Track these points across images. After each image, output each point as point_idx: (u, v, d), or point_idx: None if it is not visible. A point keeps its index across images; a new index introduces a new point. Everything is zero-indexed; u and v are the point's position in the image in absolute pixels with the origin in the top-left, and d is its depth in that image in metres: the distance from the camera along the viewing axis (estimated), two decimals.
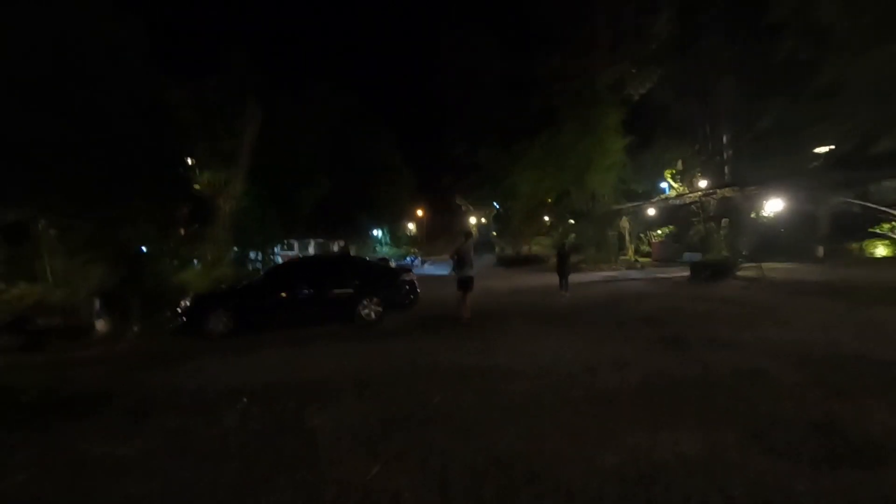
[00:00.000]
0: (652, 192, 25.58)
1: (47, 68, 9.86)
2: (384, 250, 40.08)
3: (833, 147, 16.24)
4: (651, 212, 25.23)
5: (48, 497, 3.24)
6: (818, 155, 17.31)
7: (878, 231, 17.64)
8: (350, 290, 10.03)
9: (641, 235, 27.64)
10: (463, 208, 42.06)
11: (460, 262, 9.89)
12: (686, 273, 15.85)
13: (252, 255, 20.47)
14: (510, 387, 4.97)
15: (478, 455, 3.39)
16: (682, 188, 24.28)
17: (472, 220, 45.36)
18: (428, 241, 49.55)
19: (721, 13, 19.40)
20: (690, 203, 22.37)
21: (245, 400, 4.99)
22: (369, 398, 4.89)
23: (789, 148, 17.18)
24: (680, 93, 21.68)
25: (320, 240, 36.51)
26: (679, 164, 24.92)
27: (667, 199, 24.01)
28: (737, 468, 3.03)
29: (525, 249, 30.73)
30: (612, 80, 22.70)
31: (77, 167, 10.33)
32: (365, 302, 9.95)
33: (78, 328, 10.37)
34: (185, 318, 9.35)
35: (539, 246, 30.65)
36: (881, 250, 17.93)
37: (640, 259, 24.73)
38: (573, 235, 26.50)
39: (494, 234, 39.05)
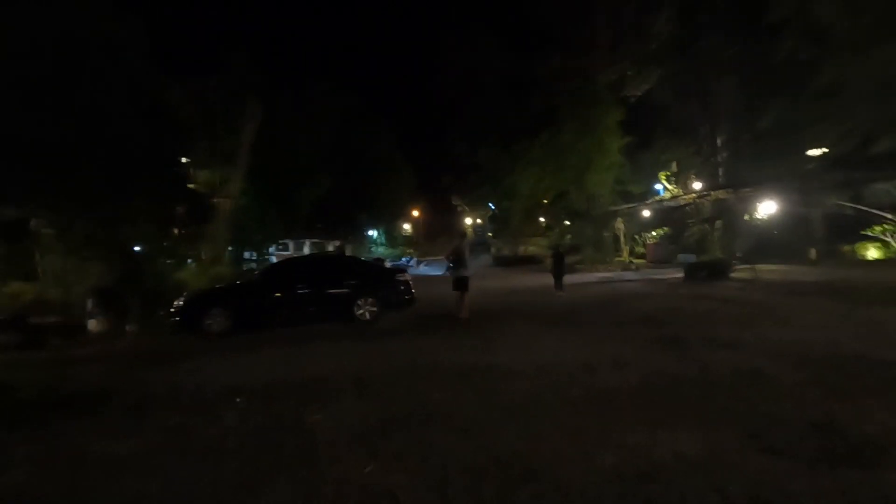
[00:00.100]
0: (648, 194, 25.70)
1: (47, 67, 9.83)
2: (380, 250, 40.01)
3: (827, 150, 16.37)
4: (646, 213, 25.36)
5: (47, 495, 3.23)
6: (812, 157, 17.45)
7: (870, 234, 17.81)
8: (346, 290, 10.03)
9: (637, 237, 27.76)
10: (459, 209, 42.11)
11: (455, 262, 9.93)
12: (681, 274, 15.95)
13: (247, 254, 20.42)
14: (509, 386, 4.99)
15: (477, 454, 3.40)
16: (676, 190, 24.40)
17: (469, 220, 45.44)
18: (425, 241, 49.54)
19: (720, 13, 19.50)
20: (685, 205, 22.50)
21: (243, 399, 4.98)
22: (368, 397, 4.89)
23: (784, 150, 17.30)
24: (678, 93, 21.80)
25: (316, 239, 36.41)
26: (674, 166, 25.05)
27: (662, 201, 24.13)
28: (735, 468, 3.05)
29: (521, 250, 30.80)
30: (611, 79, 22.79)
31: (76, 166, 10.29)
32: (360, 302, 9.95)
33: (73, 326, 10.34)
34: (178, 318, 9.33)
35: (535, 247, 30.74)
36: (873, 252, 18.09)
37: (636, 260, 24.83)
38: (569, 236, 26.60)
39: (490, 234, 39.12)
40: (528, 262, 27.41)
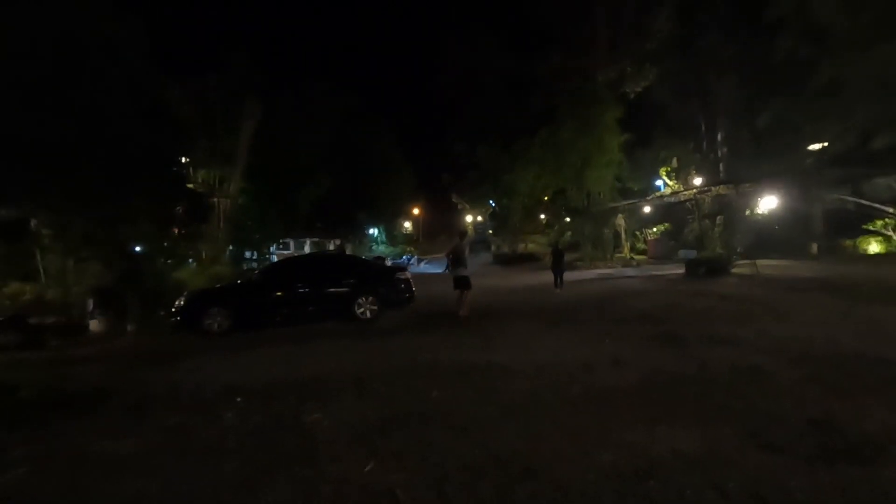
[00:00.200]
0: (648, 190, 25.68)
1: (47, 67, 9.83)
2: (380, 249, 40.01)
3: (827, 144, 16.34)
4: (647, 209, 25.32)
5: (47, 494, 3.23)
6: (812, 152, 17.42)
7: (871, 228, 17.78)
8: (346, 289, 10.04)
9: (637, 233, 27.74)
10: (459, 207, 42.09)
11: (455, 261, 9.93)
12: (681, 270, 15.93)
13: (248, 253, 20.43)
14: (508, 384, 4.99)
15: (476, 452, 3.40)
16: (677, 186, 24.37)
17: (469, 218, 45.42)
18: (425, 239, 49.54)
19: (719, 12, 19.45)
20: (686, 201, 22.47)
21: (243, 398, 4.99)
22: (368, 396, 4.89)
23: (784, 146, 17.28)
24: (677, 91, 21.77)
25: (316, 238, 36.41)
26: (674, 162, 25.02)
27: (662, 196, 24.10)
28: (734, 465, 3.05)
29: (521, 248, 30.80)
30: (610, 77, 22.77)
31: (76, 166, 10.30)
32: (361, 300, 9.96)
33: (73, 326, 10.36)
34: (178, 317, 9.34)
35: (535, 244, 30.73)
36: (874, 247, 18.07)
37: (636, 257, 24.82)
38: (569, 233, 26.59)
39: (491, 232, 39.10)
40: (528, 259, 27.41)
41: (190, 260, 15.02)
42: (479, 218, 44.81)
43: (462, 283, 9.75)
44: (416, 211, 51.61)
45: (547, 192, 26.74)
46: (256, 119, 15.97)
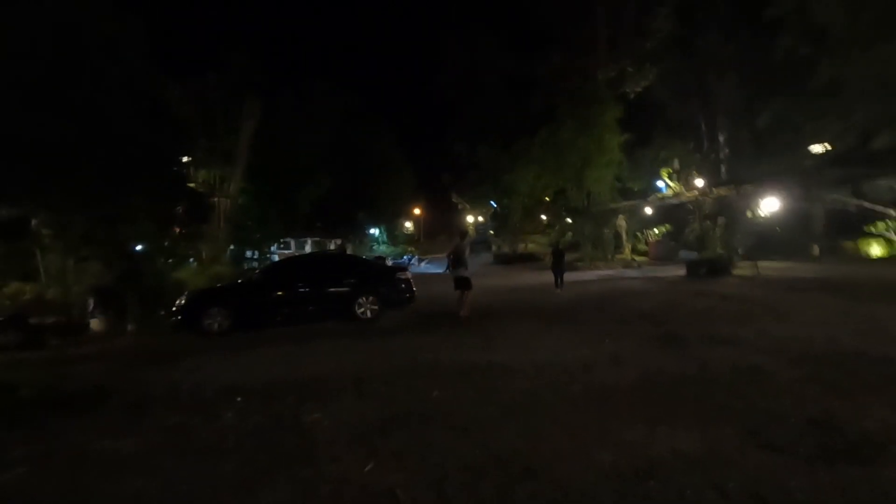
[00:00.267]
0: (648, 191, 25.65)
1: (47, 67, 9.82)
2: (381, 249, 40.02)
3: (828, 146, 16.34)
4: (648, 210, 25.31)
5: (46, 494, 3.23)
6: (814, 154, 17.41)
7: (872, 230, 17.74)
8: (346, 288, 10.03)
9: (638, 234, 27.71)
10: (460, 207, 42.09)
11: (455, 262, 9.93)
12: (682, 272, 15.92)
13: (248, 253, 20.44)
14: (508, 384, 4.98)
15: (477, 452, 3.39)
16: (678, 187, 24.35)
17: (470, 218, 45.41)
18: (426, 239, 49.53)
19: (719, 11, 19.43)
20: (687, 202, 22.45)
21: (243, 398, 4.98)
22: (368, 395, 4.89)
23: (785, 146, 17.27)
24: (677, 91, 21.74)
25: (317, 238, 36.42)
26: (675, 163, 25.00)
27: (663, 197, 24.08)
28: (734, 464, 3.04)
29: (522, 248, 30.79)
30: (610, 77, 22.75)
31: (75, 165, 10.30)
32: (361, 300, 9.95)
33: (73, 326, 10.37)
34: (180, 316, 9.34)
35: (535, 244, 30.72)
36: (876, 249, 18.03)
37: (637, 258, 24.80)
38: (570, 234, 26.57)
39: (491, 232, 39.09)
40: (529, 259, 27.41)
41: (190, 260, 15.02)
42: (480, 218, 44.82)
43: (463, 284, 9.74)
44: (416, 211, 51.62)
45: (547, 192, 26.72)
46: (257, 119, 15.98)
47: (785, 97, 15.38)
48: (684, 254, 21.31)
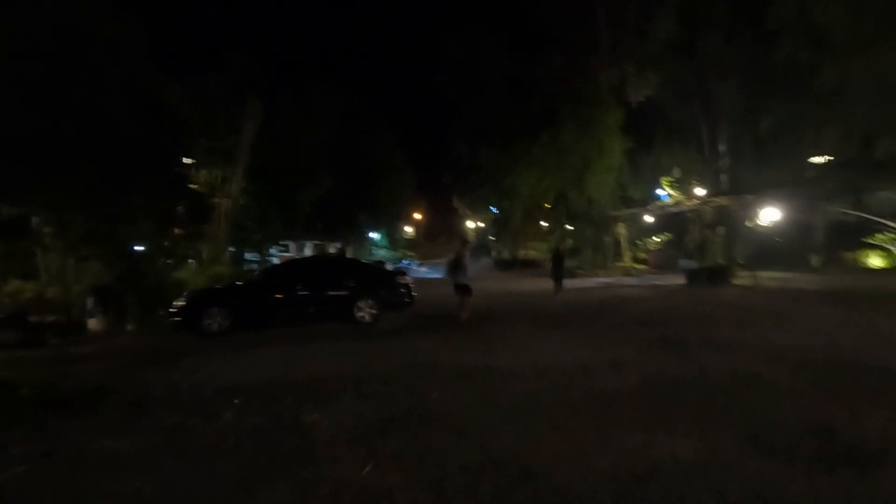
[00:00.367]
0: (649, 200, 25.69)
1: (47, 66, 9.84)
2: (381, 253, 40.03)
3: (829, 156, 16.38)
4: (648, 219, 25.33)
5: (45, 493, 3.22)
6: (815, 164, 17.45)
7: (872, 242, 17.76)
8: (346, 291, 10.03)
9: (638, 242, 27.73)
10: (461, 211, 42.10)
11: (456, 268, 9.95)
12: (682, 280, 15.93)
13: (248, 255, 20.44)
14: (507, 388, 4.98)
15: (475, 455, 3.39)
16: (679, 195, 24.39)
17: (470, 223, 45.41)
18: (426, 242, 49.49)
19: (721, 16, 19.49)
20: (687, 210, 22.48)
21: (242, 398, 4.97)
22: (367, 397, 4.88)
23: (787, 155, 17.31)
24: (679, 96, 21.77)
25: (317, 241, 36.44)
26: (676, 172, 25.05)
27: (664, 206, 24.12)
28: (734, 470, 3.04)
29: (522, 253, 30.79)
30: (612, 81, 22.78)
31: (76, 164, 10.31)
32: (360, 303, 9.94)
33: (73, 325, 10.36)
34: (178, 317, 9.33)
35: (535, 250, 30.72)
36: (876, 260, 18.04)
37: (637, 266, 24.80)
38: (570, 240, 26.56)
39: (491, 237, 39.08)
40: (529, 265, 27.43)
41: (190, 260, 15.01)
42: (481, 223, 44.82)
43: (462, 289, 9.77)
44: (416, 215, 51.62)
45: (548, 195, 26.71)
46: (258, 119, 16.01)
47: (786, 102, 15.42)
48: (684, 263, 21.33)
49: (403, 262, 36.29)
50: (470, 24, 28.68)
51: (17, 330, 9.54)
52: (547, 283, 15.22)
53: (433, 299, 12.29)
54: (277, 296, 9.84)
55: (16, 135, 9.49)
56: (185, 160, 15.81)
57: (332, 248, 36.47)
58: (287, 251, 31.47)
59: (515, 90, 26.75)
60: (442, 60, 29.68)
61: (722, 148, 22.04)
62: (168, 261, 13.75)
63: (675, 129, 22.93)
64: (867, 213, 17.07)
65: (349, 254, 33.67)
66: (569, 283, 15.27)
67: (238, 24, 46.56)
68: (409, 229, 50.93)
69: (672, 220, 25.03)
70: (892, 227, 16.78)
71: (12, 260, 12.50)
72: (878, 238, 17.51)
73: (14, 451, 3.87)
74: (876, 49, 11.35)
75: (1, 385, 5.76)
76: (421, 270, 30.95)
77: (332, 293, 10.04)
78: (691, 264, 19.49)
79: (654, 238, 27.53)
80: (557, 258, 14.64)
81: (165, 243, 14.16)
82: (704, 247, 20.82)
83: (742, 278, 15.23)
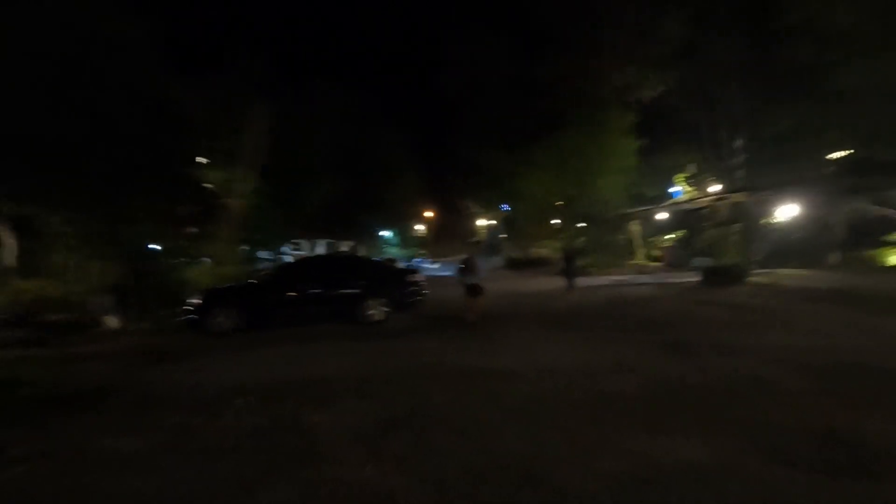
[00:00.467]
0: (662, 197, 25.36)
1: (55, 67, 9.94)
2: (392, 251, 40.14)
3: (849, 152, 16.01)
4: (661, 216, 25.01)
5: (47, 492, 3.24)
6: (832, 160, 17.07)
7: (893, 240, 17.31)
8: (356, 290, 10.03)
9: (651, 240, 27.39)
10: (471, 211, 42.03)
11: (468, 269, 9.94)
12: (696, 278, 15.68)
13: (259, 254, 20.57)
14: (513, 389, 4.94)
15: (478, 457, 3.37)
16: (693, 192, 24.03)
17: (481, 222, 45.31)
18: (437, 241, 49.50)
19: (732, 16, 19.14)
20: (701, 208, 22.14)
21: (249, 397, 4.98)
22: (374, 397, 4.87)
23: (803, 152, 16.95)
24: (691, 96, 21.43)
25: (329, 240, 36.65)
26: (690, 169, 24.68)
27: (677, 203, 23.79)
28: (739, 476, 2.97)
29: (533, 252, 30.63)
30: (621, 82, 22.52)
31: (85, 164, 10.42)
32: (371, 302, 9.94)
33: (85, 324, 10.48)
34: (192, 316, 9.40)
35: (547, 249, 30.51)
36: (895, 259, 17.57)
37: (650, 264, 24.51)
38: (582, 239, 26.34)
39: (503, 237, 38.93)
40: (539, 264, 27.22)
41: (200, 259, 15.14)
42: (492, 222, 44.69)
43: (473, 290, 9.75)
44: (428, 214, 51.64)
45: (558, 196, 26.54)
46: (267, 119, 16.10)
47: (802, 102, 15.10)
48: (698, 260, 20.98)
49: (415, 260, 36.33)
50: (476, 26, 28.59)
51: (29, 329, 9.68)
52: (557, 282, 15.10)
53: (443, 298, 12.25)
54: (287, 295, 9.87)
55: (25, 134, 9.61)
56: (199, 159, 15.95)
57: (345, 247, 36.63)
58: (300, 250, 31.69)
59: (522, 92, 26.59)
60: (448, 62, 29.65)
61: (737, 144, 21.65)
62: (178, 260, 13.87)
63: (690, 127, 22.55)
64: (887, 211, 16.64)
65: (361, 252, 33.78)
66: (581, 282, 15.14)
67: (245, 24, 46.84)
68: (420, 227, 50.99)
69: (686, 218, 24.65)
70: None
71: (25, 259, 12.72)
72: None
73: (15, 451, 3.90)
74: (892, 49, 11.08)
75: (8, 383, 5.83)
76: (433, 268, 30.96)
77: (342, 292, 10.04)
78: (705, 262, 19.16)
79: (667, 236, 27.16)
80: (569, 257, 14.51)
81: (180, 243, 14.28)
82: (719, 244, 20.47)
83: (758, 276, 14.95)
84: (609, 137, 21.91)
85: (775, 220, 20.21)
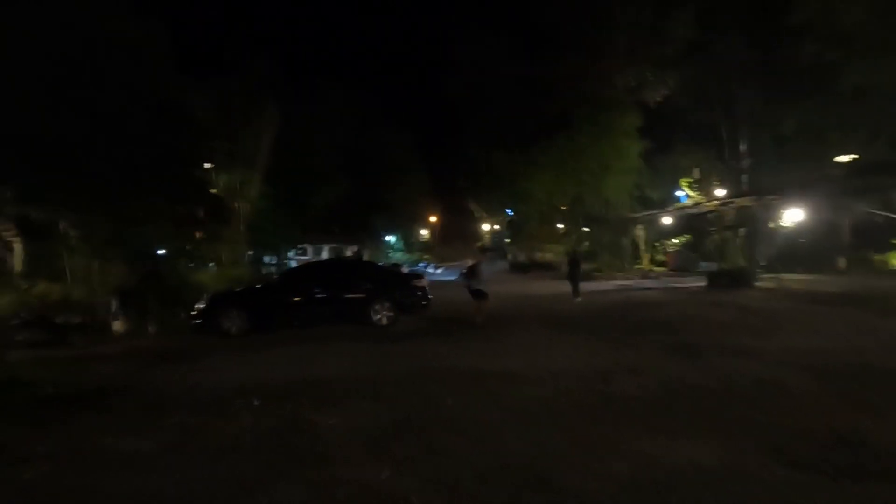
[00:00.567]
0: (667, 200, 25.29)
1: (68, 69, 10.05)
2: (397, 256, 40.18)
3: (854, 156, 15.94)
4: (667, 220, 24.94)
5: (66, 490, 3.28)
6: (839, 163, 16.99)
7: None
8: (362, 294, 10.08)
9: (656, 244, 27.32)
10: (476, 214, 42.04)
11: (473, 275, 10.02)
12: (702, 283, 15.64)
13: (266, 258, 20.69)
14: (521, 392, 4.95)
15: (488, 460, 3.37)
16: (699, 196, 23.96)
17: (486, 226, 45.31)
18: (442, 245, 49.48)
19: (740, 16, 19.12)
20: (707, 212, 22.07)
21: (258, 399, 5.02)
22: (380, 399, 4.89)
23: (810, 155, 16.90)
24: (698, 97, 21.39)
25: (334, 244, 36.75)
26: (696, 173, 24.62)
27: (683, 207, 23.72)
28: (755, 480, 2.96)
29: (538, 256, 30.60)
30: (628, 83, 22.53)
31: (97, 167, 10.52)
32: (377, 306, 9.97)
33: (97, 326, 10.58)
34: (198, 319, 9.48)
35: (552, 253, 30.49)
36: None
37: (656, 268, 24.44)
38: (587, 243, 26.31)
39: (508, 240, 38.95)
40: (544, 268, 27.20)
41: (210, 262, 15.25)
42: (497, 226, 44.70)
43: (479, 294, 9.81)
44: (432, 218, 51.69)
45: (564, 199, 26.52)
46: (275, 123, 16.23)
47: (809, 104, 15.07)
48: (704, 265, 20.91)
49: (419, 264, 36.34)
50: (480, 27, 28.71)
51: (44, 330, 9.79)
52: (563, 286, 15.09)
53: (448, 302, 12.27)
54: (295, 298, 9.94)
55: (39, 138, 9.71)
56: (206, 164, 16.07)
57: (349, 252, 36.72)
58: (305, 254, 31.78)
59: (525, 92, 26.63)
60: (452, 63, 29.76)
61: (743, 148, 21.60)
62: (189, 263, 13.98)
63: (695, 129, 22.50)
64: (894, 213, 16.55)
65: (366, 257, 33.85)
66: (586, 286, 15.11)
67: (256, 27, 47.21)
68: (424, 232, 51.01)
69: (692, 222, 24.58)
70: None
71: (40, 262, 12.84)
72: None
73: (36, 449, 3.95)
74: None
75: (24, 384, 5.89)
76: (437, 273, 30.95)
77: (348, 296, 10.10)
78: (711, 266, 19.10)
79: (673, 240, 27.08)
80: (574, 261, 14.50)
81: (186, 247, 14.40)
82: (725, 248, 20.41)
83: (765, 281, 14.90)
84: (613, 138, 21.90)
85: (782, 224, 20.12)
